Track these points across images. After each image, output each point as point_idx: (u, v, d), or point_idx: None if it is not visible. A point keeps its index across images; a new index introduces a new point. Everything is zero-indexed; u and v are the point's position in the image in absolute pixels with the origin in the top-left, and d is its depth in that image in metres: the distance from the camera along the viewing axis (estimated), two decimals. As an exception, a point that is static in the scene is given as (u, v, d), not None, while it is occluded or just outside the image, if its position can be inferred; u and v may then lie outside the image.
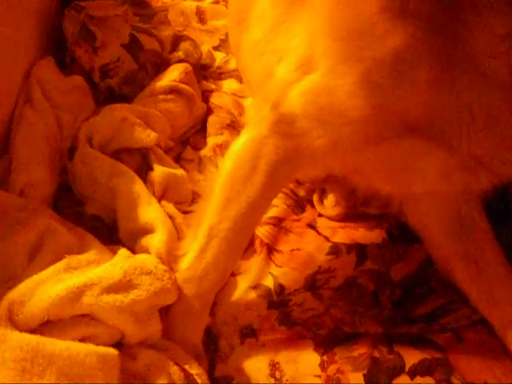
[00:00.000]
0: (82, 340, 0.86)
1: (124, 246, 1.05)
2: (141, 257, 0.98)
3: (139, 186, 1.09)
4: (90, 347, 0.83)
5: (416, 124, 0.89)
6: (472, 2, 0.84)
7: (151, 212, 1.06)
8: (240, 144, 0.98)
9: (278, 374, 0.97)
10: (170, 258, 1.00)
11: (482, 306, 1.03)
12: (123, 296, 0.89)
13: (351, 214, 1.17)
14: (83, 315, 0.87)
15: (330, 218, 1.17)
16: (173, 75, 1.30)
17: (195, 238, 0.98)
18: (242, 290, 1.07)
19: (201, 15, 1.55)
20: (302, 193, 1.21)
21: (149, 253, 1.01)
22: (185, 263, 0.97)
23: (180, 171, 1.17)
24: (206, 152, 1.26)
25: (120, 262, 0.94)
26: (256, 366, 0.98)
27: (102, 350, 0.83)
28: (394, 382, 0.96)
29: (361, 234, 1.15)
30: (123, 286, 0.90)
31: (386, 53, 0.85)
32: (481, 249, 1.05)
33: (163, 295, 0.93)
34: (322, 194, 1.19)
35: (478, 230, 1.06)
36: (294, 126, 0.93)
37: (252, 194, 0.95)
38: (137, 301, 0.90)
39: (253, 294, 1.06)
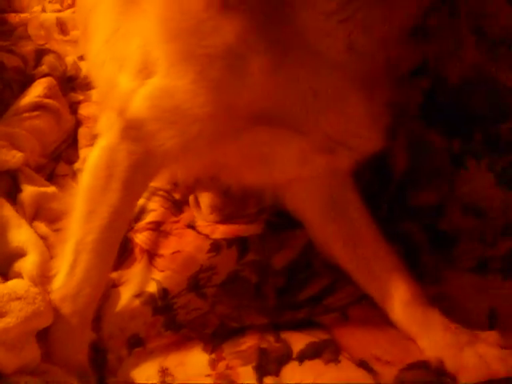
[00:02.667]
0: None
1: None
2: (12, 283, 0.94)
3: (7, 210, 1.05)
4: (-46, 385, 0.81)
5: (262, 113, 0.90)
6: None
7: (21, 235, 1.02)
8: (95, 155, 0.97)
9: (168, 379, 0.96)
10: (43, 280, 0.97)
11: (362, 283, 1.04)
12: (-9, 326, 0.87)
13: (229, 216, 1.16)
14: (-49, 352, 0.85)
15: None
16: (36, 91, 1.27)
17: (64, 256, 0.96)
18: (125, 300, 1.05)
19: (62, 26, 1.51)
20: (177, 196, 1.19)
21: (22, 277, 0.99)
22: (57, 283, 0.95)
23: (51, 189, 1.14)
24: (79, 165, 1.23)
25: (-13, 292, 0.92)
26: (145, 374, 0.96)
27: (-31, 385, 0.82)
28: (284, 369, 0.96)
29: (241, 227, 1.14)
30: (-10, 315, 0.88)
31: (217, 48, 0.87)
32: (355, 227, 1.06)
33: (36, 319, 0.90)
34: (198, 198, 1.18)
35: (351, 209, 1.07)
36: (144, 130, 0.93)
37: (112, 202, 0.94)
38: (7, 329, 0.87)
39: (137, 303, 1.05)
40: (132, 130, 0.94)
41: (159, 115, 0.92)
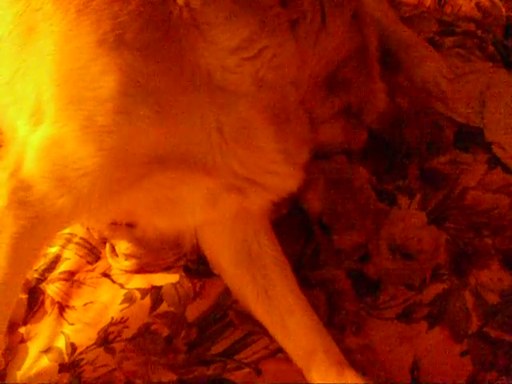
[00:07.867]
0: None
1: None
2: None
3: None
4: None
5: (162, 157, 0.83)
6: (193, 24, 0.79)
7: None
8: None
9: None
10: None
11: (277, 337, 1.00)
12: None
13: (147, 264, 1.10)
14: None
15: (125, 271, 1.10)
16: None
17: None
18: (32, 356, 1.02)
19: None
20: (95, 235, 1.13)
21: None
22: None
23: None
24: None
25: None
26: None
27: None
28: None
29: (157, 275, 1.09)
30: None
31: (106, 90, 0.79)
32: (269, 277, 1.01)
33: None
34: (115, 246, 1.11)
35: (267, 257, 1.02)
36: (33, 191, 0.85)
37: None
38: None
39: (44, 359, 1.01)
40: (21, 192, 0.85)
41: (48, 169, 0.84)
